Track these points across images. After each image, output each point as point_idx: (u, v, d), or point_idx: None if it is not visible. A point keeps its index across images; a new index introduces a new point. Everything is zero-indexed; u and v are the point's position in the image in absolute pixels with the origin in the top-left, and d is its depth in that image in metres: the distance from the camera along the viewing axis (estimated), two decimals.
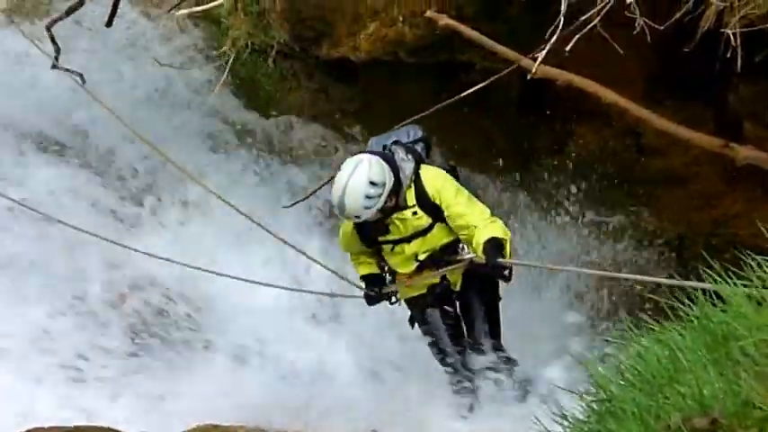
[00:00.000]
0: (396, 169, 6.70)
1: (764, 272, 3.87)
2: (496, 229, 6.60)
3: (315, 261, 7.60)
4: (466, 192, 6.85)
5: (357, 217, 6.62)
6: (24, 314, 8.31)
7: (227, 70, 10.33)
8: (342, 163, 6.78)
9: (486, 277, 6.87)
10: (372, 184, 6.52)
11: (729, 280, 3.93)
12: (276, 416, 7.36)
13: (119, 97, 11.05)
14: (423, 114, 7.27)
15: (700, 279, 4.15)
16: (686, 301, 4.08)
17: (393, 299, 7.23)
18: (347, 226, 7.00)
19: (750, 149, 5.30)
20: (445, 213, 6.74)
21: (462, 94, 6.72)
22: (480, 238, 6.50)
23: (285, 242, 7.64)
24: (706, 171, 8.14)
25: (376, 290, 7.16)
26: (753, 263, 3.93)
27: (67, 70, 9.96)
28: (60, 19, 10.42)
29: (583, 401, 4.04)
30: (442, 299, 7.14)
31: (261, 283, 7.82)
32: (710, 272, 4.04)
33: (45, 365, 7.91)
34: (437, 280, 7.04)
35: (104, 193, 10.07)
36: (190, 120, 11.44)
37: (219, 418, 7.05)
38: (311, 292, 8.14)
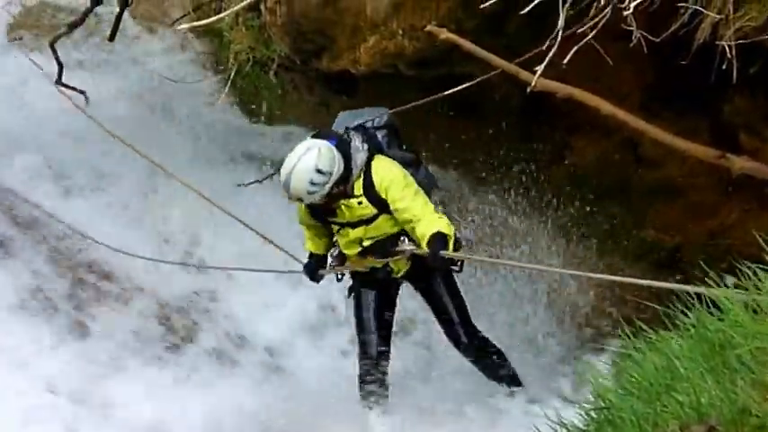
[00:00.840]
0: (348, 157, 6.81)
1: (760, 281, 3.91)
2: (442, 224, 6.72)
3: (268, 240, 7.74)
4: (414, 186, 6.94)
5: (300, 199, 6.78)
6: None
7: (228, 83, 10.41)
8: None
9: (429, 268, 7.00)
10: (319, 171, 6.65)
11: (726, 288, 3.97)
12: None
13: (121, 111, 11.15)
14: (399, 109, 7.34)
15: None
16: (683, 309, 4.13)
17: (339, 276, 7.47)
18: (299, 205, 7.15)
19: (746, 160, 5.34)
20: (391, 207, 6.85)
21: (446, 92, 6.80)
22: (426, 230, 6.64)
23: (244, 223, 7.86)
24: (702, 182, 8.15)
25: (312, 265, 7.40)
26: (749, 272, 3.97)
27: (70, 87, 10.05)
28: (63, 35, 10.50)
29: (582, 410, 4.08)
30: (382, 283, 7.28)
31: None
32: (707, 281, 4.08)
33: None
34: (380, 265, 7.13)
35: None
36: (192, 132, 11.48)
37: None
38: (258, 270, 8.27)
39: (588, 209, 9.12)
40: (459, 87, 6.72)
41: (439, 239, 6.60)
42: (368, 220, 6.96)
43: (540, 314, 9.08)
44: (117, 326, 8.49)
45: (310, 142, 6.80)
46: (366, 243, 7.05)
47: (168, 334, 8.64)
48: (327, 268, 7.44)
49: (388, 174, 6.91)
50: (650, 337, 4.12)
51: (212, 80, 11.86)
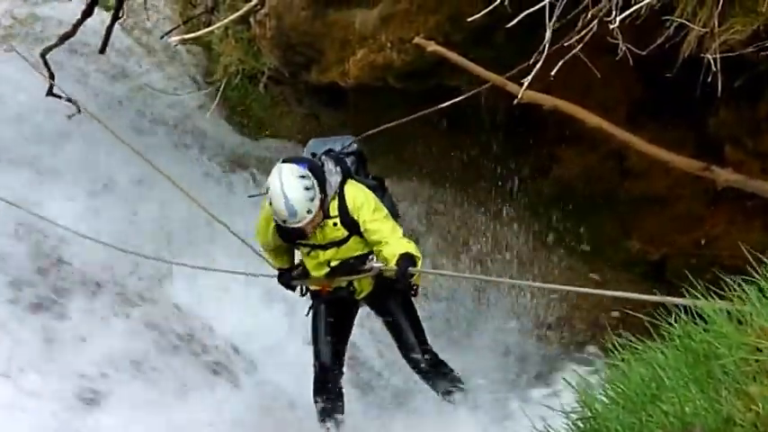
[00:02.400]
0: (322, 180, 6.85)
1: (745, 292, 3.93)
2: (410, 246, 6.81)
3: (248, 245, 7.69)
4: (384, 210, 7.02)
5: (309, 212, 6.70)
6: None
7: (218, 96, 10.43)
8: None
9: (399, 292, 7.08)
10: (302, 177, 6.68)
11: (711, 300, 4.00)
12: None
13: (111, 123, 11.14)
14: (397, 122, 7.40)
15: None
16: (669, 320, 4.16)
17: (302, 291, 7.48)
18: (267, 220, 7.11)
19: (730, 173, 5.40)
20: (362, 228, 6.91)
21: (434, 108, 6.86)
22: (395, 251, 6.72)
23: (221, 222, 7.87)
24: (688, 193, 8.20)
25: (287, 275, 7.43)
26: (733, 283, 4.00)
27: (62, 97, 10.05)
28: (55, 46, 10.50)
29: (568, 419, 4.11)
30: (342, 304, 7.36)
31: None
32: (693, 292, 4.11)
33: None
34: (344, 284, 7.22)
35: None
36: (182, 144, 11.50)
37: None
38: (229, 272, 8.20)
39: (575, 220, 9.17)
40: (448, 102, 6.77)
41: (407, 259, 6.67)
42: (339, 242, 7.02)
43: (526, 323, 9.13)
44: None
45: (276, 167, 6.83)
46: (334, 263, 7.11)
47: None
48: (298, 279, 7.46)
49: (360, 196, 6.98)
50: (636, 348, 4.15)
51: (202, 92, 11.89)
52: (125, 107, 11.97)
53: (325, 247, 7.05)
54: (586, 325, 8.82)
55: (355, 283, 7.22)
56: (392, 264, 6.69)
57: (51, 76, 10.42)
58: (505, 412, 7.43)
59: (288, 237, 7.12)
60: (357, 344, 8.39)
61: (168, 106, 12.04)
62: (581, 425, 4.04)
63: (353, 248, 7.04)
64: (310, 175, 6.74)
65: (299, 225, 6.76)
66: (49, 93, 10.32)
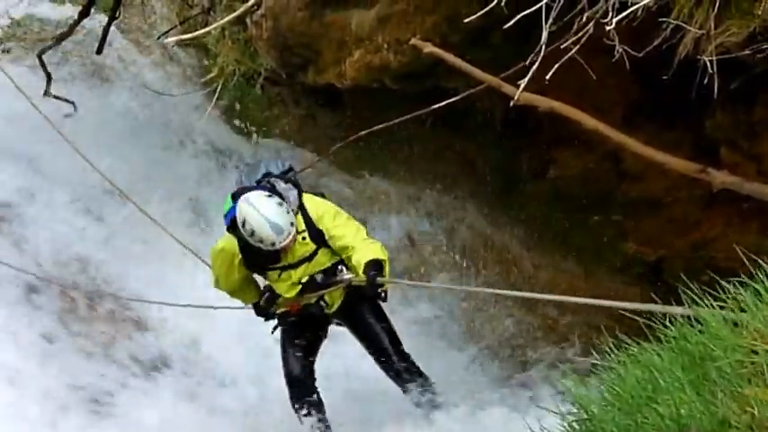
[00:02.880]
0: (280, 196, 6.87)
1: (740, 294, 3.94)
2: (376, 250, 6.85)
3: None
4: (344, 214, 7.12)
5: (292, 224, 6.75)
6: None
7: (215, 96, 10.42)
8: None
9: (369, 299, 7.13)
10: (270, 196, 6.76)
11: (707, 302, 4.00)
12: None
13: (109, 123, 11.15)
14: (390, 123, 7.42)
15: (678, 301, 4.22)
16: (664, 322, 4.16)
17: (270, 318, 7.49)
18: (228, 256, 7.08)
19: (726, 175, 5.40)
20: (326, 236, 6.96)
21: (431, 108, 6.87)
22: (361, 258, 6.76)
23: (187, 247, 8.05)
24: (684, 196, 8.19)
25: (263, 304, 7.37)
26: (729, 285, 4.00)
27: (58, 98, 10.06)
28: (51, 47, 10.52)
29: (564, 421, 4.11)
30: (313, 319, 7.35)
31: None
32: (689, 294, 4.11)
33: None
34: (313, 300, 7.23)
35: None
36: (179, 145, 11.51)
37: None
38: (205, 307, 8.21)
39: (571, 222, 9.17)
40: (444, 103, 6.78)
41: (374, 266, 6.72)
42: (309, 257, 7.04)
43: (522, 324, 9.13)
44: None
45: (242, 198, 6.82)
46: (303, 280, 7.11)
47: None
48: (270, 306, 7.41)
49: (321, 205, 7.09)
50: (632, 350, 4.15)
51: (199, 93, 11.89)
52: (121, 108, 11.96)
53: (296, 266, 7.07)
54: (582, 326, 8.82)
55: (326, 297, 7.22)
56: (360, 271, 6.73)
57: (48, 77, 10.44)
58: (501, 414, 7.45)
59: (262, 263, 7.09)
60: None
61: (165, 107, 12.05)
62: (577, 426, 4.05)
63: (322, 262, 7.09)
64: (272, 193, 6.80)
65: (287, 241, 6.78)
66: (46, 93, 10.34)
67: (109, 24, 11.01)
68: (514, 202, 9.52)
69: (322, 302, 7.25)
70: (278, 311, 7.38)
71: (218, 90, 10.55)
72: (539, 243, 9.50)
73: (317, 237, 6.99)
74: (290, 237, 6.77)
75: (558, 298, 7.54)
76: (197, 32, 6.92)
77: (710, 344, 3.75)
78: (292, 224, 6.76)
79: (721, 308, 3.93)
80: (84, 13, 10.63)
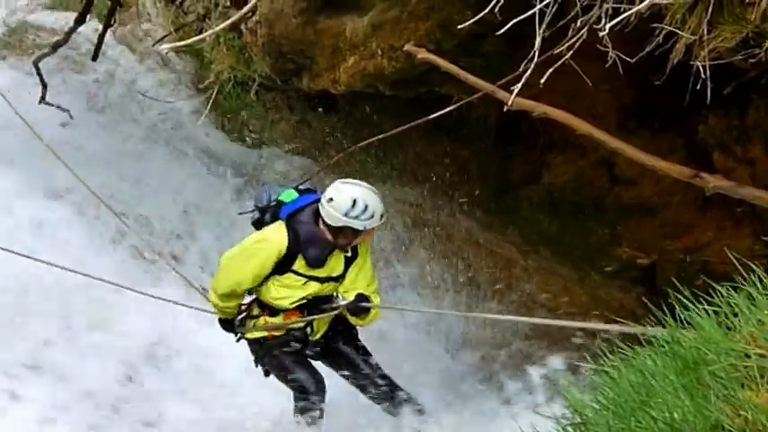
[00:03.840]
0: None
1: (733, 298, 3.95)
2: (373, 295, 7.07)
3: (189, 282, 7.80)
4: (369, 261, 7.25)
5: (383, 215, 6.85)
6: None
7: (210, 103, 10.43)
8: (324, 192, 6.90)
9: (348, 329, 7.28)
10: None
11: (700, 306, 4.01)
12: None
13: (105, 130, 11.15)
14: (385, 135, 7.46)
15: (671, 306, 4.23)
16: (658, 326, 4.17)
17: (238, 336, 7.39)
18: (274, 249, 6.92)
19: (719, 179, 5.41)
20: (358, 266, 7.07)
21: (427, 118, 6.90)
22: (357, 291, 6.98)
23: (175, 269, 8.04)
24: (677, 200, 8.24)
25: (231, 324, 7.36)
26: (722, 289, 4.01)
27: (54, 105, 10.06)
28: (47, 55, 10.52)
29: (558, 424, 4.12)
30: (296, 341, 7.26)
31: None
32: (681, 298, 4.13)
33: None
34: (300, 325, 7.19)
35: None
36: (174, 151, 11.52)
37: None
38: (187, 306, 7.94)
39: (565, 227, 9.20)
40: (442, 112, 6.78)
41: (363, 296, 6.96)
42: (336, 278, 7.06)
43: (516, 328, 9.15)
44: None
45: (337, 182, 6.90)
46: (309, 298, 7.10)
47: None
48: (245, 327, 7.33)
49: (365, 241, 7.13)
50: (625, 354, 4.16)
51: (194, 100, 11.91)
52: (117, 114, 11.98)
53: (322, 281, 7.04)
54: (575, 330, 8.84)
55: (314, 323, 7.22)
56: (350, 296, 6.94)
57: (44, 84, 10.45)
58: (495, 419, 7.46)
59: (313, 261, 6.97)
60: None
61: (160, 113, 12.07)
62: (571, 430, 4.05)
63: (332, 288, 7.11)
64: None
65: (379, 223, 6.88)
66: (42, 100, 10.35)
67: (104, 31, 11.04)
68: (508, 206, 9.55)
69: (308, 328, 7.24)
70: (254, 336, 7.30)
71: (213, 96, 10.55)
72: (533, 248, 9.52)
73: (348, 262, 7.07)
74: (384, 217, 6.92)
75: (547, 322, 7.55)
76: (192, 39, 6.91)
77: (704, 348, 3.76)
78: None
79: (714, 312, 3.94)
80: (80, 21, 10.66)
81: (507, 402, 7.79)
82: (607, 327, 4.81)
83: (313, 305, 7.10)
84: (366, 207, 6.72)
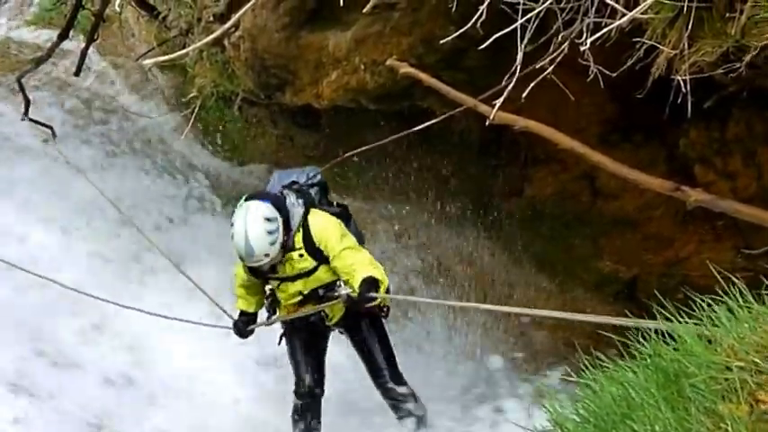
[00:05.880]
0: (286, 213, 7.00)
1: (714, 311, 3.96)
2: (376, 271, 6.93)
3: (203, 292, 7.88)
4: (351, 237, 7.20)
5: (266, 255, 6.89)
6: None
7: (193, 117, 10.42)
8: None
9: (369, 315, 7.25)
10: (267, 220, 6.87)
11: (681, 319, 4.02)
12: None
13: (87, 145, 11.13)
14: (368, 147, 7.49)
15: (653, 318, 4.24)
16: (639, 339, 4.18)
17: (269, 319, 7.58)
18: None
19: (700, 193, 5.42)
20: (329, 257, 7.05)
21: (410, 130, 6.92)
22: (359, 276, 6.84)
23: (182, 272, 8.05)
24: (658, 214, 8.25)
25: (243, 323, 7.54)
26: (703, 303, 4.02)
27: (37, 122, 10.03)
28: (30, 71, 10.52)
29: None
30: (314, 328, 7.45)
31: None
32: (663, 311, 4.13)
33: None
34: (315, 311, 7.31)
35: None
36: (156, 167, 11.50)
37: None
38: (190, 322, 8.05)
39: (547, 240, 9.22)
40: (425, 125, 6.81)
41: (370, 282, 6.82)
42: (307, 273, 7.16)
43: (496, 339, 9.16)
44: None
45: (243, 206, 7.00)
46: (305, 292, 7.22)
47: None
48: (258, 322, 7.59)
49: (327, 226, 7.14)
50: (607, 367, 4.17)
51: (177, 115, 11.90)
52: (100, 129, 11.96)
53: (293, 279, 7.20)
54: (557, 343, 8.86)
55: (327, 310, 7.30)
56: (356, 287, 6.83)
57: (27, 100, 10.43)
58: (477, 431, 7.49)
59: (256, 272, 7.23)
60: None
61: (143, 128, 12.07)
62: None
63: (322, 277, 7.19)
64: (278, 216, 6.93)
65: (255, 265, 6.99)
66: (25, 116, 10.34)
67: (87, 47, 11.03)
68: (491, 220, 9.56)
69: (323, 314, 7.35)
70: (276, 319, 7.51)
71: (196, 111, 10.55)
72: (515, 261, 9.53)
73: (317, 255, 7.09)
74: (261, 263, 6.94)
75: (543, 313, 7.55)
76: (175, 54, 6.91)
77: (685, 360, 3.77)
78: (267, 255, 6.89)
79: (696, 325, 3.95)
80: (63, 36, 10.65)
81: (487, 415, 7.81)
82: (613, 320, 4.80)
83: (314, 296, 7.21)
84: (232, 236, 6.92)
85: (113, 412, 8.00)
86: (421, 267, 10.00)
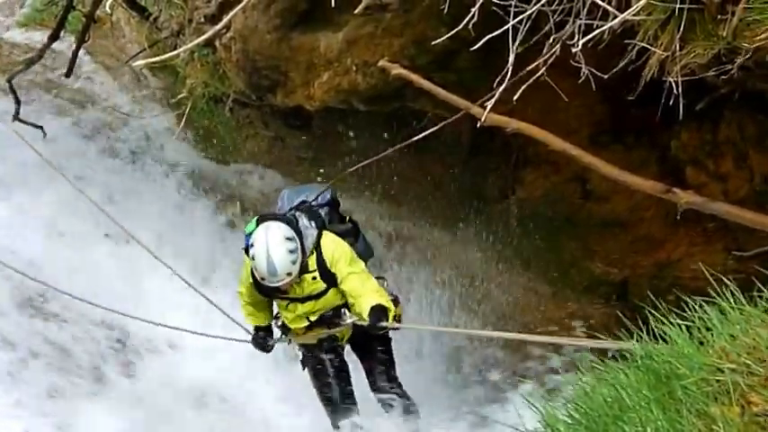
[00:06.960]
0: (300, 235, 6.99)
1: (706, 313, 3.97)
2: (382, 298, 6.98)
3: (217, 307, 7.82)
4: (361, 264, 7.21)
5: (289, 274, 6.88)
6: None
7: (184, 119, 10.40)
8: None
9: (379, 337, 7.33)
10: (288, 239, 6.86)
11: (672, 321, 4.03)
12: None
13: (78, 146, 11.11)
14: (368, 162, 7.50)
15: (645, 320, 4.24)
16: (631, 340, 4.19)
17: (288, 340, 7.62)
18: (246, 275, 7.26)
19: (691, 195, 5.44)
20: (339, 281, 7.07)
21: (410, 140, 6.91)
22: (367, 304, 6.89)
23: (188, 283, 8.00)
24: (650, 216, 8.26)
25: (261, 338, 7.58)
26: (695, 305, 4.03)
27: (27, 123, 10.01)
28: (20, 71, 10.49)
29: None
30: (329, 350, 7.55)
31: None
32: (655, 313, 4.14)
33: None
34: (326, 335, 7.41)
35: None
36: (147, 168, 11.49)
37: None
38: (206, 335, 8.00)
39: (538, 242, 9.22)
40: (421, 135, 6.80)
41: (378, 311, 6.86)
42: (317, 295, 7.17)
43: (489, 343, 9.14)
44: None
45: (263, 225, 6.96)
46: (312, 317, 7.26)
47: None
48: (278, 338, 7.61)
49: (338, 249, 7.14)
50: (599, 368, 4.18)
51: (168, 116, 11.88)
52: (91, 130, 11.94)
53: (303, 301, 7.21)
54: (548, 346, 8.86)
55: (337, 332, 7.40)
56: (365, 317, 6.87)
57: (17, 102, 10.41)
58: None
59: (266, 291, 7.24)
60: None
61: (134, 129, 12.04)
62: None
63: (331, 300, 7.23)
64: (296, 237, 6.91)
65: (277, 285, 6.94)
66: (16, 118, 10.31)
67: (78, 48, 11.00)
68: (482, 222, 9.55)
69: (333, 336, 7.47)
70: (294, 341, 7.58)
71: (187, 112, 10.53)
72: (506, 263, 9.53)
73: (329, 278, 7.11)
74: (281, 283, 6.92)
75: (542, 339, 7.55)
76: (166, 55, 6.88)
77: (676, 362, 3.78)
78: (290, 274, 6.88)
79: (687, 327, 3.96)
80: (53, 37, 10.63)
81: (479, 417, 7.81)
82: (591, 343, 4.82)
83: (322, 321, 7.28)
84: (254, 257, 6.90)
85: None
86: (411, 270, 9.97)
